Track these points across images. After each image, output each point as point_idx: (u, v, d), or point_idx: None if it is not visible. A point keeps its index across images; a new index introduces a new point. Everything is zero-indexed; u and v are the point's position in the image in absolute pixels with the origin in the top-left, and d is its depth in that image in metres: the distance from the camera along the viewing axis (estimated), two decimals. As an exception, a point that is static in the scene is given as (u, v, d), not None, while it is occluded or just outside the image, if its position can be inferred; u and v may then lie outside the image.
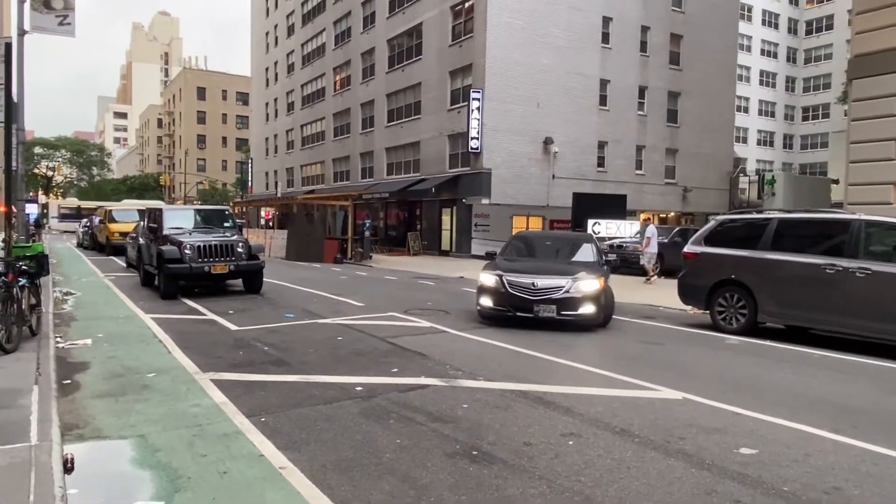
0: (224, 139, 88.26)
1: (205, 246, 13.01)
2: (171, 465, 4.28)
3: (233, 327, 9.60)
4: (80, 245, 34.39)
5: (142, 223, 17.09)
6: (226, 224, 14.93)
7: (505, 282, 9.69)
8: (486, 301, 9.95)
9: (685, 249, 11.16)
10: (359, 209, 37.24)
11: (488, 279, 9.97)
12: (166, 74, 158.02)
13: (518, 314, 9.55)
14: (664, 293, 14.97)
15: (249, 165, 60.06)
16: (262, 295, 13.60)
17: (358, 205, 37.93)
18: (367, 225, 28.18)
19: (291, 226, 28.66)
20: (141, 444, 4.71)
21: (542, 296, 9.49)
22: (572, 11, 30.47)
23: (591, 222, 22.95)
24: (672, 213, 37.46)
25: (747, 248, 10.06)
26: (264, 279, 15.35)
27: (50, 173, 68.12)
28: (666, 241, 21.66)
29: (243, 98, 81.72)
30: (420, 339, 8.77)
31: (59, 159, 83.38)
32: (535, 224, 30.49)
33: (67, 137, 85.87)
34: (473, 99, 27.83)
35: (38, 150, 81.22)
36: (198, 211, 15.30)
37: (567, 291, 9.42)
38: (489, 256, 12.29)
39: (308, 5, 46.44)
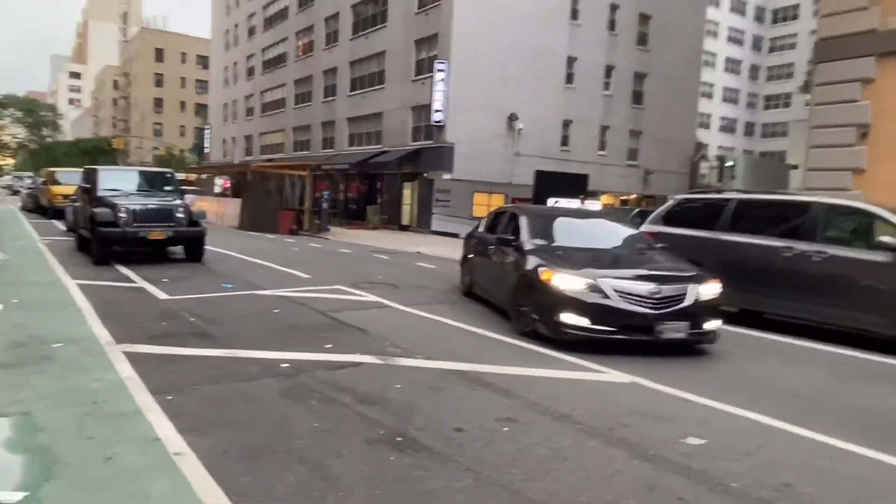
0: (182, 104, 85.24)
1: (141, 209, 12.21)
2: (51, 449, 3.75)
3: (162, 296, 8.96)
4: (23, 208, 32.75)
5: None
6: (166, 188, 14.09)
7: (608, 288, 6.55)
8: (576, 318, 6.59)
9: (642, 228, 10.88)
10: (318, 180, 36.25)
11: (572, 283, 6.67)
12: (125, 35, 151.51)
13: (631, 337, 6.52)
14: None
15: (207, 131, 58.11)
16: (203, 264, 12.88)
17: (318, 176, 36.92)
18: (326, 196, 27.40)
19: (245, 194, 27.65)
20: (23, 423, 4.15)
21: (666, 307, 6.59)
22: (541, -15, 29.86)
23: (551, 201, 22.66)
24: (633, 195, 37.56)
25: (705, 228, 9.83)
26: (210, 248, 14.62)
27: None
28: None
29: (203, 62, 78.70)
30: (363, 313, 8.29)
31: (8, 118, 79.39)
32: (498, 201, 30.17)
33: (16, 96, 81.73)
34: (438, 70, 27.13)
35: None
36: (137, 173, 14.41)
37: (694, 300, 6.69)
38: (471, 238, 10.72)
39: (271, -34, 44.75)
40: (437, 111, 27.29)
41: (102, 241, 11.97)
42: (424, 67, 29.03)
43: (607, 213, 12.94)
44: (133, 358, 5.71)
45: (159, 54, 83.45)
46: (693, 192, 11.98)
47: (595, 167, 32.15)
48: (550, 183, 23.43)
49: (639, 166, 36.54)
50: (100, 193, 12.97)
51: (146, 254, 13.47)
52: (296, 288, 10.15)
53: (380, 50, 32.30)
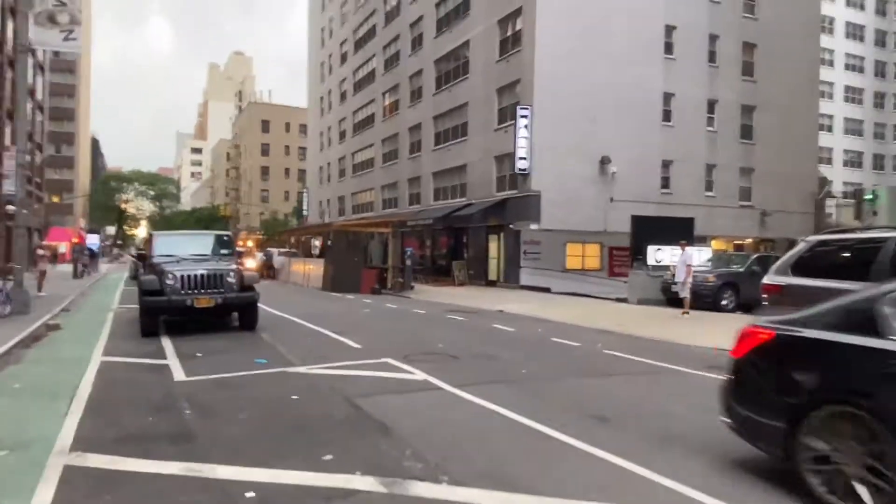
0: (287, 170, 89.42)
1: (189, 276, 11.32)
2: None
3: (179, 377, 7.73)
4: (130, 276, 34.18)
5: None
6: (223, 251, 13.29)
7: None
8: None
9: (765, 280, 8.56)
10: (406, 237, 35.57)
11: None
12: (240, 111, 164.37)
13: None
14: (728, 332, 12.19)
15: (305, 195, 59.89)
16: (254, 332, 11.77)
17: (405, 232, 36.28)
18: (409, 253, 26.27)
19: (328, 254, 27.13)
20: None
21: None
22: (631, 20, 27.98)
23: (652, 249, 20.22)
24: (749, 239, 33.79)
25: (852, 278, 7.38)
26: (274, 312, 13.60)
27: (123, 205, 70.35)
28: (741, 270, 18.74)
29: (304, 130, 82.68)
30: (398, 399, 6.57)
31: (132, 192, 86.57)
32: (593, 251, 27.85)
33: (140, 171, 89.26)
34: (521, 116, 25.70)
35: (113, 183, 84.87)
36: (193, 237, 13.76)
37: None
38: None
39: (360, 32, 45.95)
40: (520, 158, 25.73)
41: (147, 311, 11.16)
42: (507, 115, 27.73)
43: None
44: (69, 476, 4.37)
45: (265, 125, 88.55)
46: (830, 232, 9.46)
47: (702, 210, 29.11)
48: (650, 229, 20.99)
49: (753, 207, 32.92)
50: (154, 260, 12.33)
51: (202, 322, 12.57)
52: (337, 363, 8.63)
53: (462, 102, 31.49)
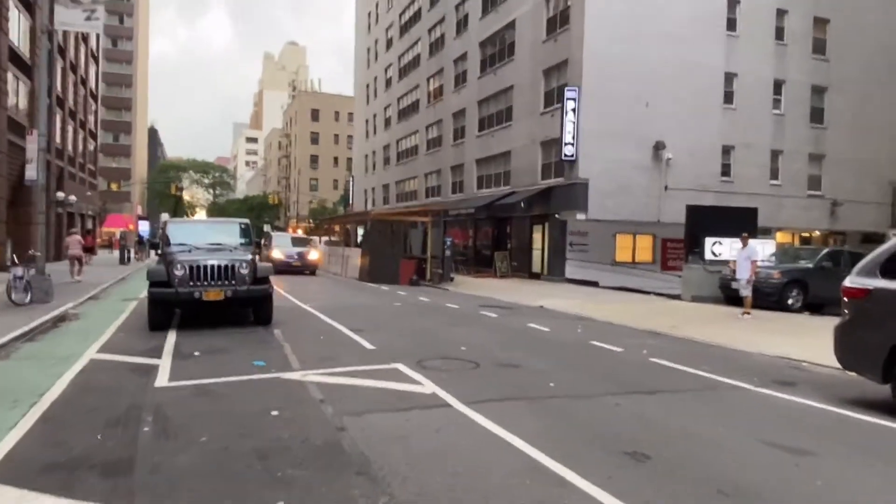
0: (335, 159, 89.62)
1: (198, 266, 10.55)
2: None
3: (161, 382, 6.90)
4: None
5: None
6: (241, 240, 12.52)
7: None
8: None
9: (846, 283, 7.08)
10: (448, 226, 34.53)
11: None
12: (293, 100, 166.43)
13: None
14: (796, 338, 10.63)
15: (351, 183, 59.58)
16: (268, 327, 10.96)
17: (447, 222, 35.24)
18: (448, 244, 25.21)
19: (365, 243, 26.37)
20: None
21: None
22: (690, -6, 26.02)
23: (709, 242, 18.53)
24: (817, 232, 31.32)
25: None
26: (298, 303, 12.81)
27: (176, 193, 71.85)
28: (811, 266, 16.94)
29: (353, 118, 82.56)
30: (394, 420, 5.52)
31: (187, 181, 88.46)
32: (645, 243, 26.12)
33: (195, 159, 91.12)
34: (568, 99, 24.18)
35: (171, 173, 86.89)
36: (209, 225, 13.04)
37: None
38: None
39: (405, 15, 44.95)
40: (567, 144, 24.23)
41: (154, 303, 10.46)
42: (554, 98, 26.22)
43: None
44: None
45: (314, 114, 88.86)
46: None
47: (766, 199, 26.97)
48: (707, 219, 19.25)
49: (823, 196, 30.42)
50: (171, 249, 11.65)
51: (216, 316, 11.84)
52: (341, 368, 7.66)
53: (507, 85, 30.08)
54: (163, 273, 10.53)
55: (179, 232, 12.31)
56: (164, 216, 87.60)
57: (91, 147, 46.06)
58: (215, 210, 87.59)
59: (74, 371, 7.39)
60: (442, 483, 4.10)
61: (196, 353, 8.52)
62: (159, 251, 12.19)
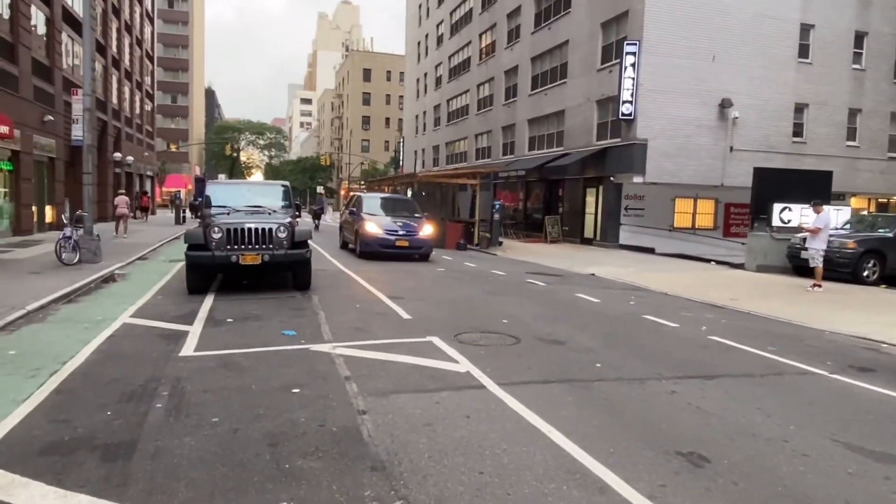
0: (387, 119, 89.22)
1: (235, 230, 10.31)
2: None
3: (187, 351, 6.66)
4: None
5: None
6: (281, 203, 12.22)
7: None
8: None
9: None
10: (498, 189, 33.73)
11: None
12: (345, 60, 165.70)
13: None
14: (873, 314, 9.60)
15: (401, 144, 59.06)
16: (306, 293, 10.69)
17: (497, 184, 34.43)
18: (496, 207, 24.50)
19: (412, 206, 25.88)
20: None
21: None
22: (765, -63, 23.87)
23: (777, 207, 17.22)
24: (895, 198, 29.08)
25: None
26: (342, 269, 12.47)
27: (230, 153, 73.09)
28: (890, 235, 15.57)
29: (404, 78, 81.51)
30: (422, 403, 5.05)
31: (243, 142, 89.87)
32: (706, 208, 24.77)
33: (250, 121, 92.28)
34: (628, 53, 22.76)
35: (229, 133, 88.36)
36: (249, 187, 12.78)
37: None
38: None
39: (458, -31, 43.46)
40: (625, 102, 22.92)
41: (191, 267, 10.30)
42: (612, 53, 24.79)
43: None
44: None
45: (367, 74, 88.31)
46: None
47: (841, 162, 25.07)
48: (777, 183, 17.87)
49: (905, 159, 28.10)
50: (209, 211, 11.46)
51: (256, 280, 11.66)
52: (373, 340, 7.25)
53: (562, 40, 28.64)
54: (200, 236, 10.33)
55: (220, 194, 12.08)
56: (221, 177, 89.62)
57: (148, 108, 46.93)
58: (270, 171, 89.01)
59: (103, 337, 7.25)
60: (466, 486, 3.61)
61: (229, 320, 8.28)
62: (199, 213, 12.03)
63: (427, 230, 17.35)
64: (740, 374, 6.38)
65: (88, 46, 13.59)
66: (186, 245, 10.36)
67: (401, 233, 16.71)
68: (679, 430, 4.65)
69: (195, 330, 7.65)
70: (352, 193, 20.49)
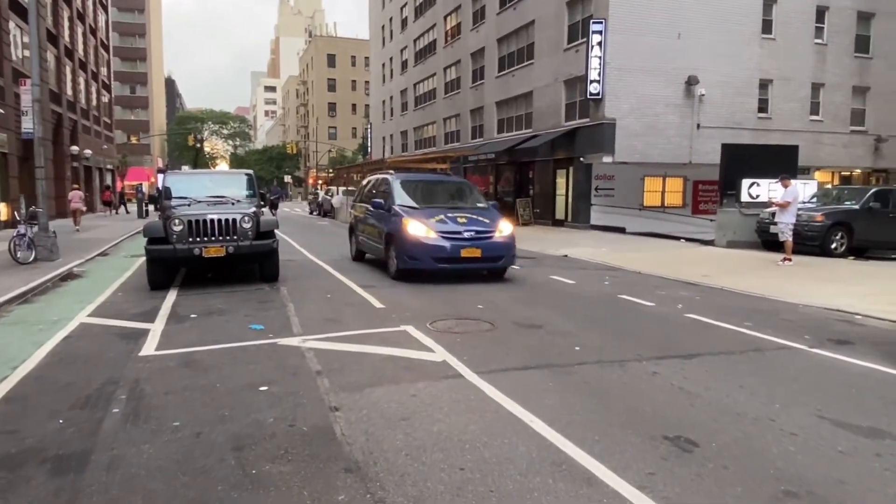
0: (354, 106, 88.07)
1: (197, 221, 9.90)
2: None
3: (148, 350, 6.32)
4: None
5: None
6: (245, 193, 11.80)
7: None
8: None
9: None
10: (468, 173, 33.50)
11: None
12: (308, 46, 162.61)
13: None
14: (844, 286, 9.68)
15: (369, 131, 58.32)
16: (274, 285, 10.34)
17: (467, 168, 34.19)
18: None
19: (382, 192, 25.50)
20: None
21: None
22: (727, -88, 23.86)
23: (746, 183, 17.31)
24: (858, 170, 29.63)
25: None
26: (313, 259, 12.10)
27: (192, 143, 71.25)
28: (856, 207, 15.77)
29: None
30: (398, 396, 4.82)
31: (206, 132, 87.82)
32: (675, 186, 24.89)
33: (212, 110, 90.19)
34: (594, 32, 22.61)
35: (192, 124, 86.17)
36: (211, 177, 12.33)
37: None
38: None
39: (421, -50, 42.75)
40: (593, 81, 22.81)
41: (151, 261, 9.88)
42: (578, 32, 24.61)
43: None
44: None
45: (331, 60, 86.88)
46: None
47: (806, 136, 25.36)
48: (744, 159, 17.97)
49: (866, 133, 28.59)
50: (169, 202, 11.00)
51: (222, 273, 11.26)
52: (345, 332, 6.99)
53: (528, 20, 28.34)
54: (160, 229, 9.90)
55: (180, 184, 11.61)
56: (185, 168, 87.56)
57: (105, 99, 45.40)
58: (235, 161, 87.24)
59: (59, 338, 6.86)
60: (447, 484, 3.40)
61: (192, 316, 7.94)
62: (158, 205, 11.56)
63: (506, 228, 10.93)
64: (720, 352, 6.29)
65: (35, 32, 12.89)
66: (146, 239, 9.92)
67: (467, 235, 10.44)
68: (664, 413, 4.51)
69: (156, 328, 7.29)
70: (372, 176, 14.45)
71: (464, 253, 10.27)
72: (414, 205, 11.27)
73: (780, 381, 5.36)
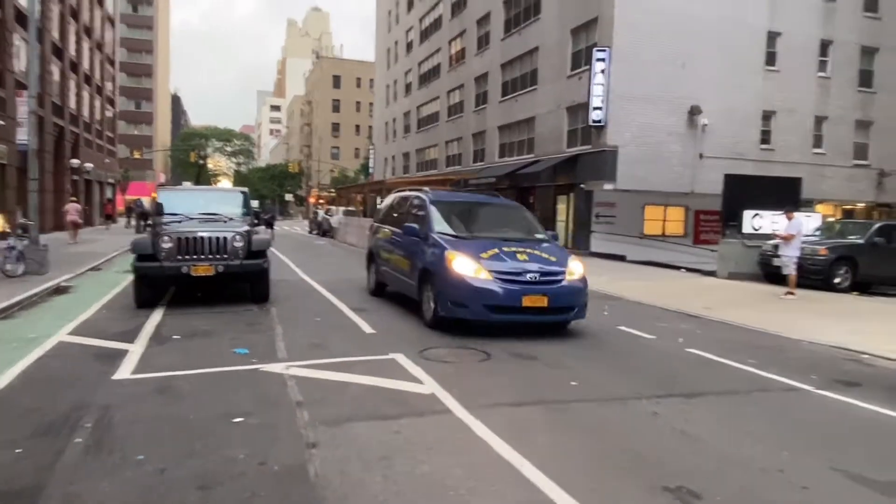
0: (357, 127, 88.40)
1: (186, 239, 9.64)
2: None
3: (122, 374, 6.02)
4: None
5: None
6: (240, 211, 11.57)
7: None
8: None
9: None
10: (469, 196, 33.30)
11: None
12: (314, 67, 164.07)
13: None
14: (849, 323, 9.40)
15: (371, 152, 58.45)
16: (264, 306, 10.05)
17: (468, 192, 34.01)
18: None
19: (380, 214, 25.35)
20: None
21: None
22: (731, -55, 24.05)
23: (748, 214, 17.12)
24: (861, 204, 29.47)
25: None
26: (306, 278, 11.82)
27: (194, 160, 71.39)
28: (861, 242, 15.53)
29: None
30: (379, 432, 4.52)
31: (210, 149, 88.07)
32: (676, 215, 24.72)
33: (217, 127, 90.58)
34: (597, 60, 22.63)
35: (197, 140, 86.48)
36: (203, 193, 12.13)
37: None
38: None
39: (428, -25, 43.21)
40: (595, 109, 22.76)
41: (139, 278, 9.61)
42: (582, 59, 24.65)
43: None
44: None
45: (336, 81, 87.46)
46: None
47: (808, 169, 25.22)
48: (747, 190, 17.81)
49: (869, 166, 28.49)
50: (161, 219, 10.76)
51: (211, 292, 10.98)
52: (331, 358, 6.70)
53: (532, 46, 28.46)
54: (148, 245, 9.64)
55: (173, 200, 11.38)
56: (186, 184, 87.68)
57: (109, 114, 45.52)
58: (238, 178, 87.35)
59: (32, 358, 6.56)
60: (425, 537, 3.10)
61: (175, 337, 7.64)
62: (149, 221, 11.32)
63: (577, 269, 8.58)
64: (724, 392, 6.00)
65: (35, 43, 12.79)
66: (134, 255, 9.66)
67: (529, 277, 8.05)
68: (665, 459, 4.21)
69: (136, 349, 7.00)
70: (397, 194, 12.08)
71: (526, 301, 7.84)
72: (458, 233, 9.01)
73: (787, 426, 5.06)
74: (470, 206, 10.68)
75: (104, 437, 4.38)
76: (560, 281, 8.20)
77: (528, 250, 8.52)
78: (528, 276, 8.01)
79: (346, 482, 3.68)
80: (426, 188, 11.09)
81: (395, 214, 11.09)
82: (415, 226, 9.42)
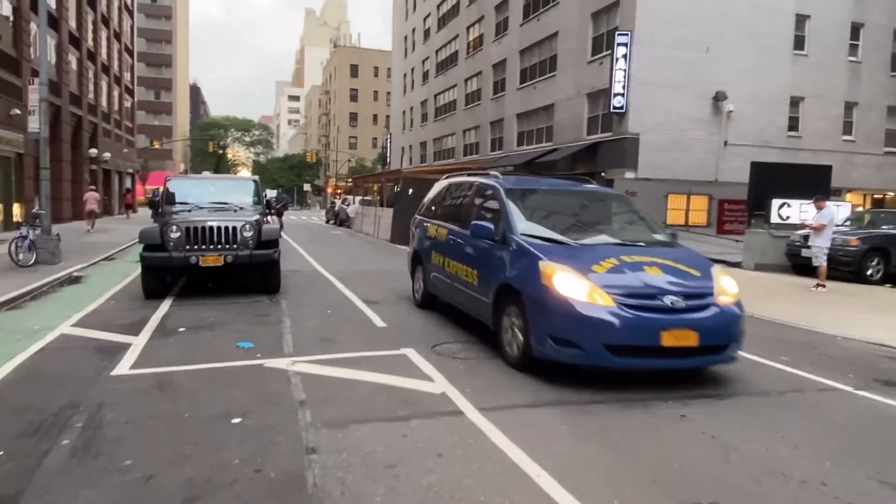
0: (375, 117, 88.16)
1: (195, 228, 9.41)
2: None
3: (121, 369, 5.80)
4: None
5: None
6: (251, 200, 11.33)
7: None
8: None
9: None
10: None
11: None
12: (332, 56, 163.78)
13: None
14: (885, 317, 8.90)
15: (389, 141, 58.13)
16: (274, 297, 9.81)
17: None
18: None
19: (396, 204, 25.04)
20: None
21: None
22: (760, -75, 23.21)
23: (776, 203, 16.50)
24: (891, 193, 28.54)
25: None
26: (320, 269, 11.53)
27: (212, 149, 71.62)
28: (894, 231, 14.90)
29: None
30: (385, 436, 4.21)
31: (229, 139, 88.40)
32: (700, 205, 24.10)
33: (235, 117, 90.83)
34: (619, 44, 22.01)
35: (216, 130, 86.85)
36: (213, 182, 11.89)
37: None
38: None
39: (445, -39, 42.59)
40: (617, 95, 22.18)
41: (147, 268, 9.41)
42: (602, 44, 24.03)
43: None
44: None
45: (354, 70, 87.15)
46: None
47: (838, 157, 24.44)
48: (774, 178, 17.15)
49: (901, 154, 27.56)
50: (171, 208, 10.56)
51: (222, 282, 10.77)
52: (339, 353, 6.41)
53: (552, 32, 27.85)
54: (157, 235, 9.42)
55: (183, 189, 11.18)
56: (205, 173, 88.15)
57: (128, 104, 45.67)
58: (257, 168, 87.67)
59: (31, 351, 6.38)
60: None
61: (180, 329, 7.42)
62: (159, 210, 11.12)
63: (729, 286, 5.88)
64: (755, 392, 5.60)
65: (45, 28, 12.62)
66: (142, 245, 9.46)
67: (669, 301, 5.36)
68: (694, 470, 3.85)
69: (139, 342, 6.78)
70: (445, 180, 9.32)
71: (666, 338, 5.24)
72: (555, 237, 6.34)
73: (826, 431, 4.67)
74: (558, 197, 7.70)
75: (93, 439, 4.13)
76: (709, 305, 5.54)
77: (659, 259, 5.90)
78: (668, 301, 5.35)
79: (346, 493, 3.38)
80: (494, 171, 8.82)
81: (449, 207, 8.63)
82: (488, 225, 6.68)
